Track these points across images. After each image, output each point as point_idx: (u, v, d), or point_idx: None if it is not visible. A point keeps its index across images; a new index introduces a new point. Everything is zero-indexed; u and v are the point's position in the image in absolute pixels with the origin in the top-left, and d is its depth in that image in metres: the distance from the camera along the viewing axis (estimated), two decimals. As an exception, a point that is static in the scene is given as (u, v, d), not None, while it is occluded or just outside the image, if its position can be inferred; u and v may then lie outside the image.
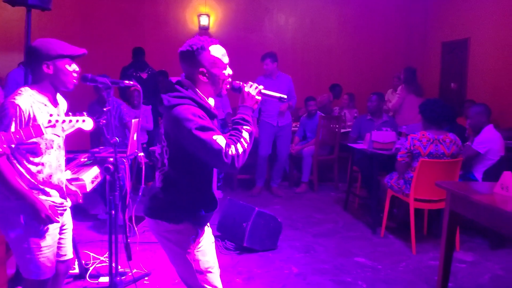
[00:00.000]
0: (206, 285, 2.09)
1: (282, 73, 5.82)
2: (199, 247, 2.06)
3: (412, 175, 4.09)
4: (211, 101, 2.08)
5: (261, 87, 2.08)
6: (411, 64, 7.03)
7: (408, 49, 8.47)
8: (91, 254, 3.72)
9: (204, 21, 7.97)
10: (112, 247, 2.62)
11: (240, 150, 1.89)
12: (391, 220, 4.73)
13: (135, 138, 3.34)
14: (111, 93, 2.37)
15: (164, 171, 2.02)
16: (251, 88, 2.04)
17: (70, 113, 2.10)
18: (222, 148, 1.85)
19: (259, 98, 2.06)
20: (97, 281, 3.35)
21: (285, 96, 2.18)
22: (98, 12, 7.69)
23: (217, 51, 2.00)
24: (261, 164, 5.92)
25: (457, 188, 2.99)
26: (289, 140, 5.94)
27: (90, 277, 3.40)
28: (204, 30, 7.97)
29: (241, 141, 1.92)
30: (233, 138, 1.92)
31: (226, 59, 2.02)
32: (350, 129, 6.01)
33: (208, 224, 2.20)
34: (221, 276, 3.48)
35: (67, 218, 2.50)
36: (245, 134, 1.94)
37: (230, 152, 1.85)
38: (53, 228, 2.30)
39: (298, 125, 6.57)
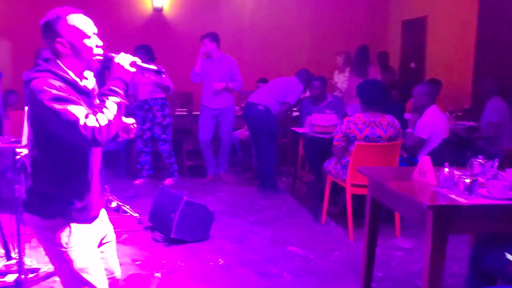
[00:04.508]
0: (82, 286, 1.89)
1: (225, 55, 5.56)
2: (72, 246, 1.87)
3: (348, 160, 3.92)
4: (88, 75, 1.92)
5: (136, 59, 1.93)
6: (373, 44, 6.89)
7: (369, 28, 8.25)
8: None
9: (157, 2, 7.66)
10: None
11: (103, 121, 1.72)
12: (335, 206, 4.58)
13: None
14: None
15: (30, 155, 1.88)
16: (122, 59, 1.89)
17: None
18: (79, 118, 1.68)
19: (133, 70, 1.91)
20: (3, 279, 3.15)
21: (163, 70, 2.03)
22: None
23: (76, 20, 1.84)
24: (204, 150, 5.70)
25: (375, 174, 2.82)
26: (230, 124, 5.67)
27: (-3, 275, 3.20)
28: (157, 11, 7.67)
29: (105, 111, 1.75)
30: (95, 109, 1.76)
31: (88, 29, 1.86)
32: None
33: (100, 219, 2.03)
34: (143, 269, 3.35)
35: None
36: (111, 105, 1.78)
37: (89, 123, 1.69)
38: None
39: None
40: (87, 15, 1.91)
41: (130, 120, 2.12)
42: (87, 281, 1.90)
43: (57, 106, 1.68)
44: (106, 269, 2.01)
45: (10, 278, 3.14)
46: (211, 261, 3.52)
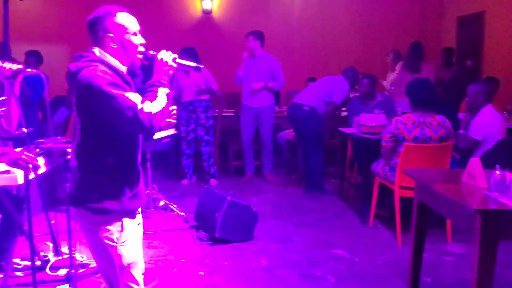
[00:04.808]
0: (127, 281, 1.95)
1: (268, 54, 5.55)
2: (124, 241, 1.92)
3: (397, 161, 3.80)
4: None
5: (175, 55, 2.01)
6: (427, 42, 6.66)
7: (422, 25, 7.96)
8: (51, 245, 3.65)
9: (206, 4, 7.76)
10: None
11: (157, 107, 1.82)
12: (383, 209, 4.45)
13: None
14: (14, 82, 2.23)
15: (76, 146, 1.89)
16: (165, 55, 1.98)
17: None
18: (136, 104, 1.76)
19: (175, 65, 2.00)
20: (55, 273, 3.29)
21: (202, 66, 2.12)
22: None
23: (125, 18, 1.94)
24: (245, 150, 5.72)
25: (421, 176, 2.71)
26: (269, 124, 5.66)
27: (50, 269, 3.34)
28: (207, 13, 7.77)
29: (157, 100, 1.85)
30: (148, 97, 1.85)
31: (134, 27, 1.95)
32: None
33: (140, 214, 2.07)
34: (187, 267, 3.40)
35: None
36: (161, 94, 1.88)
37: (145, 109, 1.77)
38: None
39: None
40: (138, 18, 1.99)
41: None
42: (133, 276, 1.95)
43: (115, 91, 1.75)
44: None
45: (62, 272, 3.28)
46: (254, 261, 3.52)
